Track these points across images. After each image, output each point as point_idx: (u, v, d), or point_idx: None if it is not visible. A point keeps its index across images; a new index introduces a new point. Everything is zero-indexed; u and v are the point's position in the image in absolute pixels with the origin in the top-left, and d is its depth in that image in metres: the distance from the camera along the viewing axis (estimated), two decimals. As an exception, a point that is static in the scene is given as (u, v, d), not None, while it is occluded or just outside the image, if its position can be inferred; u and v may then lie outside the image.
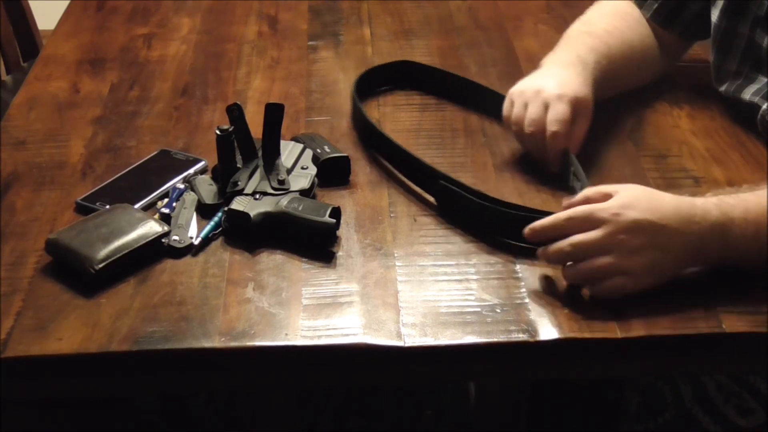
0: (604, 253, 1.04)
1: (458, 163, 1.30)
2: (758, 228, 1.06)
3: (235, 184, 1.19)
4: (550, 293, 1.08)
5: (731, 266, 1.08)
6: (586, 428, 1.38)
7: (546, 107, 1.24)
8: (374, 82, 1.46)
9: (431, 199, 1.22)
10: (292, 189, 1.20)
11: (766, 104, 1.28)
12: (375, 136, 1.31)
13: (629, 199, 1.05)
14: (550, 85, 1.26)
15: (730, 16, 1.32)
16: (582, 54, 1.32)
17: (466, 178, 1.26)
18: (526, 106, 1.26)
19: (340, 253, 1.14)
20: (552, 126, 1.24)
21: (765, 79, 1.29)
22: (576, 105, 1.26)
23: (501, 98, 1.31)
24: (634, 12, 1.43)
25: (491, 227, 1.16)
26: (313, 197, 1.22)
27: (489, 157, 1.31)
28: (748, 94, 1.32)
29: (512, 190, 1.25)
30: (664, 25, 1.41)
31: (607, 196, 1.06)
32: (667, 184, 1.24)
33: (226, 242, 1.16)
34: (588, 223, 1.04)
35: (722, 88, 1.37)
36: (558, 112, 1.24)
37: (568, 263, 1.07)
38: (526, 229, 1.09)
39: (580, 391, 1.37)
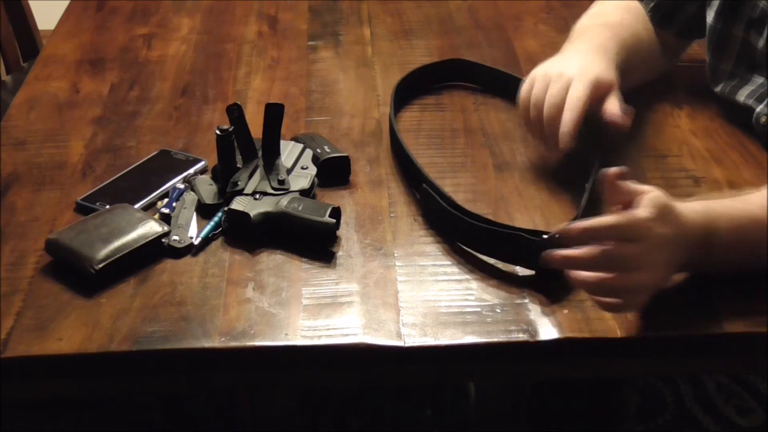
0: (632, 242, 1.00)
1: (458, 163, 1.30)
2: (740, 236, 1.05)
3: (235, 184, 1.19)
4: (550, 293, 1.08)
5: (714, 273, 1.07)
6: (586, 428, 1.38)
7: (567, 89, 1.22)
8: (420, 81, 1.45)
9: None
10: (292, 189, 1.20)
11: (760, 106, 1.28)
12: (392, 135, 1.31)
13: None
14: (573, 67, 1.24)
15: (724, 17, 1.32)
16: (602, 43, 1.31)
17: (466, 178, 1.27)
18: (546, 88, 1.23)
19: (340, 253, 1.14)
20: (569, 103, 1.20)
21: (759, 81, 1.29)
22: (599, 87, 1.22)
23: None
24: (639, 7, 1.43)
25: (463, 238, 1.15)
26: (313, 197, 1.22)
27: (489, 157, 1.31)
28: (742, 96, 1.32)
29: (512, 190, 1.25)
30: (661, 24, 1.41)
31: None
32: (667, 184, 1.24)
33: (226, 242, 1.16)
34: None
35: (717, 89, 1.37)
36: (578, 90, 1.20)
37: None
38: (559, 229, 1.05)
39: (580, 391, 1.37)
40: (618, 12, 1.40)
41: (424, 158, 1.27)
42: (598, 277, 1.00)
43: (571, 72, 1.23)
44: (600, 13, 1.41)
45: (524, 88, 1.26)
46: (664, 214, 1.01)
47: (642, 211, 1.00)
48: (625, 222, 1.00)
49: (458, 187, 1.24)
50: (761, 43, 1.27)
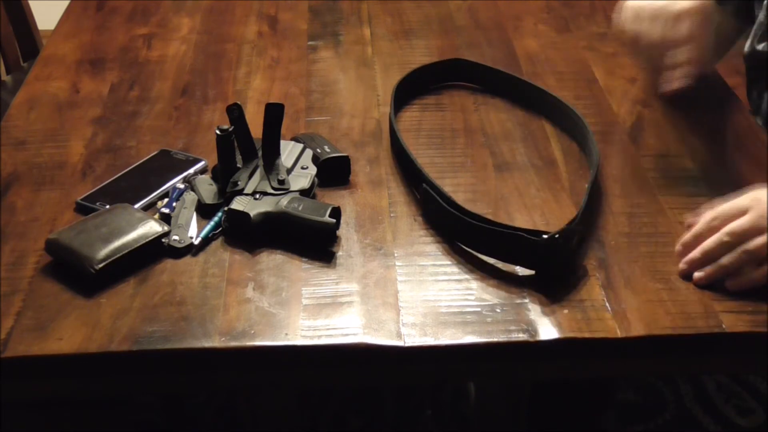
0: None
1: (458, 163, 1.30)
2: None
3: (235, 184, 1.19)
4: (550, 293, 1.08)
5: None
6: (586, 428, 1.38)
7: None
8: (420, 81, 1.45)
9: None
10: (292, 189, 1.20)
11: None
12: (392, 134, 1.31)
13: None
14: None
15: None
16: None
17: (466, 178, 1.27)
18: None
19: (340, 253, 1.14)
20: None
21: None
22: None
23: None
24: None
25: (463, 238, 1.16)
26: (313, 197, 1.22)
27: (489, 157, 1.31)
28: None
29: (512, 190, 1.25)
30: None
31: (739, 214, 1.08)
32: (667, 183, 1.25)
33: (226, 242, 1.16)
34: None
35: (760, 46, 1.35)
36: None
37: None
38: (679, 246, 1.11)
39: (580, 391, 1.37)
40: None
41: (424, 158, 1.27)
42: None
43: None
44: None
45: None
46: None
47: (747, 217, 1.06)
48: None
49: (458, 187, 1.24)
50: None
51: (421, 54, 1.58)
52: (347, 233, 1.17)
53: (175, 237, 1.14)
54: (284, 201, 1.17)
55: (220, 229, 1.16)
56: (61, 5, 1.77)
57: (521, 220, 1.19)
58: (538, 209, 1.21)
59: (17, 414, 1.09)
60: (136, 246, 1.11)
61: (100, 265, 1.08)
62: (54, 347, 1.01)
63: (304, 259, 1.13)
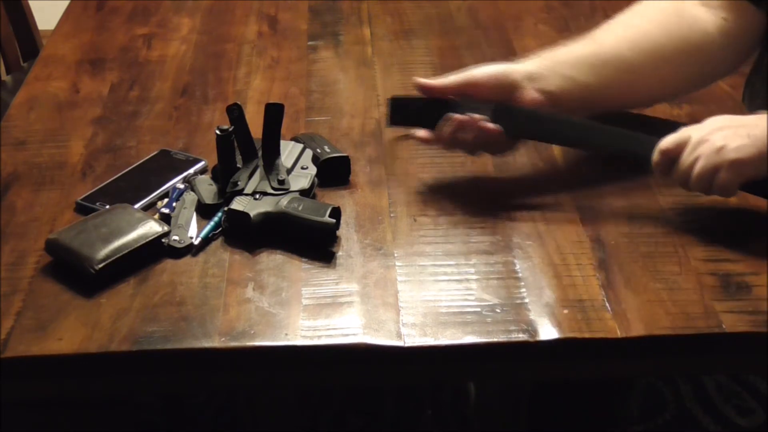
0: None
1: (458, 162, 1.30)
2: None
3: (235, 184, 1.19)
4: (550, 293, 1.08)
5: None
6: (586, 428, 1.38)
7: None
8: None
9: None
10: (292, 189, 1.20)
11: None
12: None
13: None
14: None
15: None
16: None
17: (466, 178, 1.27)
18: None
19: (340, 253, 1.14)
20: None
21: None
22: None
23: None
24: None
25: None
26: (313, 197, 1.22)
27: (489, 157, 1.31)
28: None
29: (513, 190, 1.25)
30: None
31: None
32: (667, 183, 1.24)
33: (226, 242, 1.16)
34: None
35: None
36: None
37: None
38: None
39: (581, 391, 1.37)
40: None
41: (424, 158, 1.27)
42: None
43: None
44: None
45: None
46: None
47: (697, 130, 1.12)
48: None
49: (458, 187, 1.24)
50: None
51: (421, 54, 1.58)
52: (347, 233, 1.17)
53: (175, 237, 1.14)
54: (284, 201, 1.17)
55: (220, 229, 1.16)
56: (61, 5, 1.77)
57: (521, 219, 1.19)
58: (538, 209, 1.21)
59: (17, 414, 1.09)
60: (136, 246, 1.11)
61: (100, 265, 1.08)
62: (54, 347, 1.01)
63: (304, 259, 1.13)
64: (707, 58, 1.27)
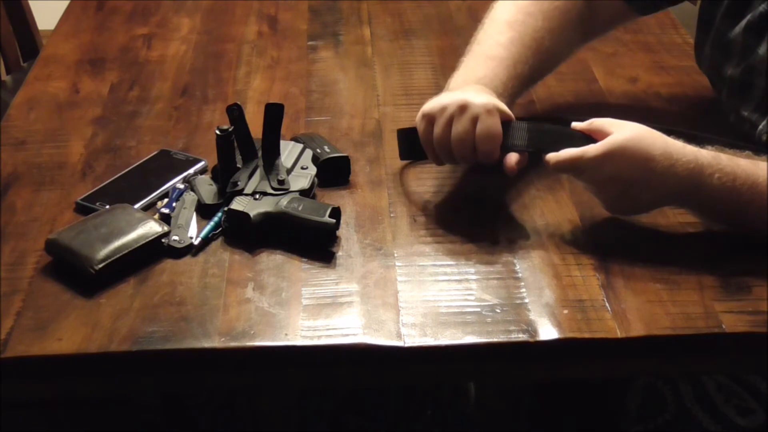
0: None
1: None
2: (733, 184, 1.09)
3: (235, 184, 1.19)
4: (550, 293, 1.08)
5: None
6: (585, 428, 1.38)
7: (474, 122, 1.15)
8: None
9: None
10: (292, 189, 1.20)
11: (762, 124, 1.23)
12: None
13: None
14: (476, 100, 1.16)
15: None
16: (488, 74, 1.27)
17: (467, 178, 1.27)
18: (449, 123, 1.16)
19: (340, 253, 1.14)
20: (484, 144, 1.15)
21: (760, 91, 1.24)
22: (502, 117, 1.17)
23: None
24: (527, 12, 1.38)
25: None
26: (313, 197, 1.22)
27: (489, 157, 1.31)
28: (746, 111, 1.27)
29: (513, 190, 1.25)
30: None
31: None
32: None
33: (226, 242, 1.16)
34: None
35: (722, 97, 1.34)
36: (490, 126, 1.15)
37: None
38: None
39: (580, 391, 1.37)
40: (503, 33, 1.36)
41: (424, 159, 1.27)
42: None
43: (477, 105, 1.15)
44: (484, 39, 1.36)
45: (423, 129, 1.19)
46: (616, 154, 1.09)
47: (592, 150, 1.09)
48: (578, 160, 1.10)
49: (458, 187, 1.24)
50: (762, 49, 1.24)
51: (421, 54, 1.58)
52: (347, 233, 1.17)
53: (175, 237, 1.14)
54: (284, 201, 1.17)
55: (220, 229, 1.16)
56: (61, 5, 1.77)
57: (521, 219, 1.19)
58: (538, 209, 1.21)
59: (17, 414, 1.09)
60: (135, 246, 1.11)
61: (100, 266, 1.08)
62: (54, 347, 1.01)
63: (304, 259, 1.13)
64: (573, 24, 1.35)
